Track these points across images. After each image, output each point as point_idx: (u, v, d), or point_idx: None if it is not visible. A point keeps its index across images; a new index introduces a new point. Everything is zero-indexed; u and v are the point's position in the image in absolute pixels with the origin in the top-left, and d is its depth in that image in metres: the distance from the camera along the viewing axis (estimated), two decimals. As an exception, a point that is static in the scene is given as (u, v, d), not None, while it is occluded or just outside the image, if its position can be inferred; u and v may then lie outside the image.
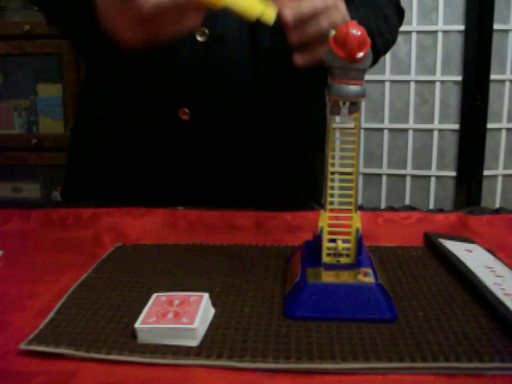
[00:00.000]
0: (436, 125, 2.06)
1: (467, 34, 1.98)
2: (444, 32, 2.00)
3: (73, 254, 0.75)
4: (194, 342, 0.49)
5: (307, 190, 1.06)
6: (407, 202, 2.09)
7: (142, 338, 0.50)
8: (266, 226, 0.83)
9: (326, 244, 0.61)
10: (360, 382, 0.45)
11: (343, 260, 0.62)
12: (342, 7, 0.76)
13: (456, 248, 0.71)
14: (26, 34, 2.07)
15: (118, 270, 0.67)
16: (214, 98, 0.93)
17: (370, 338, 0.50)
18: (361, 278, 0.58)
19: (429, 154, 2.08)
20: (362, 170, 2.12)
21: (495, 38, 1.98)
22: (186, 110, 0.92)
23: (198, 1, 0.67)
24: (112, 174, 1.00)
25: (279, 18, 0.68)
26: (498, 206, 2.03)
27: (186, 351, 0.48)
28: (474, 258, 0.68)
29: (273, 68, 0.94)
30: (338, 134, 0.62)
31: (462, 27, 1.98)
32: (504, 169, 2.08)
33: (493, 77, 2.00)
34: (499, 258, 0.69)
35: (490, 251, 0.72)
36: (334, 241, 0.61)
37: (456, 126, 2.05)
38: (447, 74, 2.03)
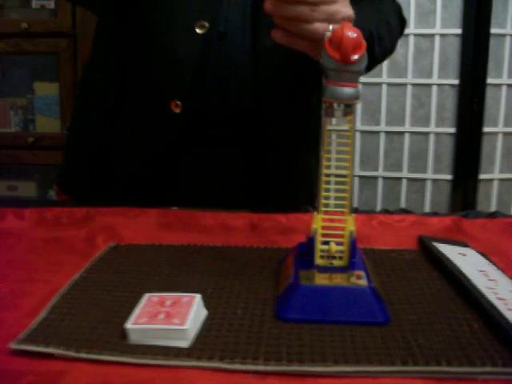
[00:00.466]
0: (432, 128, 2.06)
1: (464, 37, 1.98)
2: (441, 35, 2.00)
3: (66, 253, 0.74)
4: (185, 343, 0.49)
5: (301, 192, 1.06)
6: (403, 204, 2.09)
7: (133, 338, 0.49)
8: (260, 227, 0.83)
9: (319, 246, 0.61)
10: (351, 386, 0.45)
11: (336, 262, 0.61)
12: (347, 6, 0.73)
13: (450, 251, 0.71)
14: (23, 32, 2.07)
15: (110, 270, 0.67)
16: (209, 94, 0.93)
17: (361, 341, 0.50)
18: (354, 280, 0.58)
19: (425, 157, 2.08)
20: (358, 172, 2.12)
21: (492, 42, 1.98)
22: (178, 103, 0.91)
23: None
24: (107, 170, 1.00)
25: None
26: (493, 209, 2.03)
27: (177, 352, 0.48)
28: (467, 261, 0.68)
29: (273, 69, 0.94)
30: (333, 136, 0.62)
31: (459, 31, 1.99)
32: (500, 173, 2.08)
33: (489, 81, 2.00)
34: (493, 262, 0.69)
35: (483, 255, 0.72)
36: (327, 243, 0.61)
37: (452, 130, 2.05)
38: (444, 78, 2.03)
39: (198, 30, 0.89)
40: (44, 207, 0.88)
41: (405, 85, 2.05)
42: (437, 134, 2.06)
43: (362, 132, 2.10)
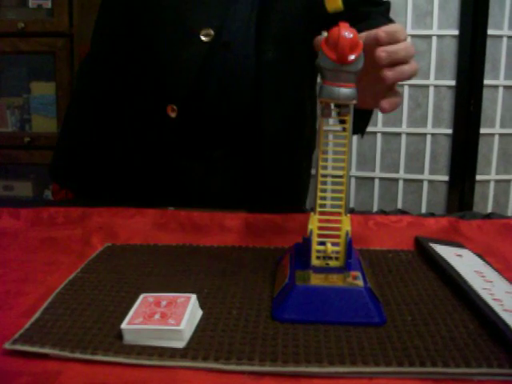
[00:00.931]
0: (429, 129, 2.06)
1: (461, 38, 1.98)
2: (438, 36, 2.00)
3: (61, 253, 0.74)
4: (180, 344, 0.49)
5: (294, 194, 1.06)
6: (399, 205, 2.09)
7: (128, 338, 0.49)
8: (256, 227, 0.83)
9: (315, 247, 0.61)
10: (346, 386, 0.45)
11: (332, 263, 0.61)
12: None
13: (446, 252, 0.71)
14: (19, 31, 2.06)
15: (106, 270, 0.67)
16: (207, 102, 0.93)
17: (357, 342, 0.50)
18: (350, 281, 0.57)
19: (421, 158, 2.08)
20: (355, 173, 2.12)
21: (489, 43, 1.98)
22: (175, 107, 0.91)
23: None
24: (101, 164, 1.01)
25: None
26: (490, 210, 2.03)
27: (172, 352, 0.48)
28: (463, 262, 0.68)
29: (273, 80, 0.94)
30: (329, 136, 0.62)
31: (456, 32, 1.99)
32: (496, 174, 2.08)
33: (486, 82, 2.00)
34: (489, 263, 0.69)
35: (479, 256, 0.72)
36: (323, 243, 0.61)
37: (449, 131, 2.05)
38: (441, 79, 2.03)
39: (203, 38, 0.89)
40: (40, 207, 0.88)
41: (401, 86, 2.05)
42: (433, 134, 2.06)
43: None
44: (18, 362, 0.47)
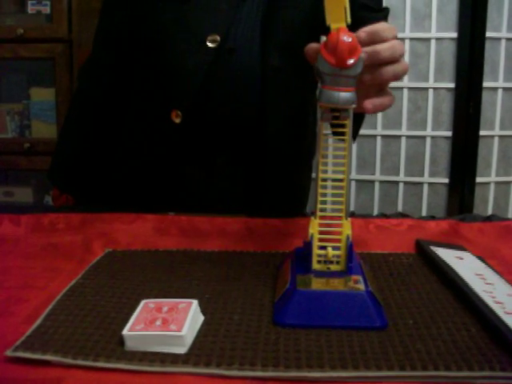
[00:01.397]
0: (429, 132, 2.06)
1: (460, 41, 1.99)
2: (437, 39, 2.01)
3: (62, 259, 0.74)
4: (181, 350, 0.49)
5: (295, 199, 1.07)
6: (400, 208, 2.09)
7: (130, 345, 0.49)
8: (257, 232, 0.82)
9: (316, 251, 0.61)
10: (349, 391, 0.45)
11: (333, 267, 0.61)
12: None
13: (447, 255, 0.71)
14: (19, 37, 2.06)
15: (107, 276, 0.67)
16: (211, 107, 0.93)
17: (359, 346, 0.50)
18: (351, 285, 0.57)
19: (421, 160, 2.08)
20: (355, 176, 2.12)
21: (488, 45, 1.98)
22: (179, 113, 0.92)
23: None
24: (102, 167, 1.01)
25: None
26: (490, 213, 2.03)
27: (174, 359, 0.48)
28: (464, 265, 0.68)
29: (278, 87, 0.94)
30: (329, 140, 0.62)
31: (454, 34, 1.99)
32: (496, 176, 2.08)
33: (485, 84, 2.00)
34: (490, 266, 0.69)
35: (481, 259, 0.72)
36: (324, 248, 0.61)
37: (449, 133, 2.05)
38: (440, 81, 2.03)
39: (209, 44, 0.89)
40: (40, 213, 0.88)
41: (401, 88, 2.05)
42: (433, 137, 2.07)
43: (359, 136, 2.09)
44: (20, 369, 0.47)
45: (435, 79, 2.03)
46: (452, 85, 2.02)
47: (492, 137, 2.06)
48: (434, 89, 2.04)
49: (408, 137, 2.08)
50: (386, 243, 0.79)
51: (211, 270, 0.69)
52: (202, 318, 0.55)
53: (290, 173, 1.03)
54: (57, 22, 2.07)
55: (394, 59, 0.65)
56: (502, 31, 1.99)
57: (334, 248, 0.61)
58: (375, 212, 2.09)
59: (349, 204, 0.62)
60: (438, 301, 0.60)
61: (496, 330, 0.51)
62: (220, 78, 0.92)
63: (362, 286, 0.57)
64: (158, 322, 0.50)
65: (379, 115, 2.07)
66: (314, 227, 0.61)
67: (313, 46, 0.61)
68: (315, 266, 0.61)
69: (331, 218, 0.62)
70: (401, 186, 2.10)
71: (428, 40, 2.01)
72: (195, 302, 0.54)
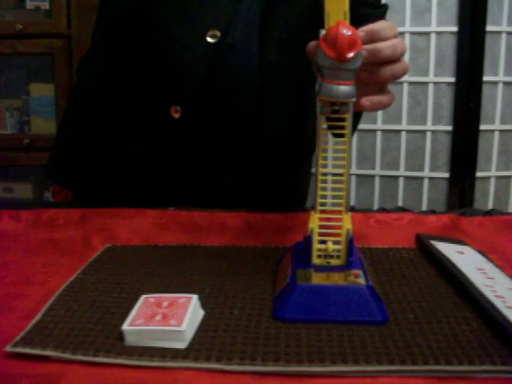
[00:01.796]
0: (429, 126, 2.06)
1: (460, 35, 1.98)
2: (437, 33, 2.00)
3: (62, 254, 0.74)
4: (182, 345, 0.49)
5: (294, 193, 1.06)
6: (400, 203, 2.09)
7: (130, 340, 0.49)
8: (257, 227, 0.82)
9: (316, 245, 0.61)
10: (349, 385, 0.45)
11: (334, 262, 0.61)
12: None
13: (447, 250, 0.71)
14: (17, 33, 2.06)
15: (107, 272, 0.67)
16: (210, 103, 0.93)
17: (360, 341, 0.50)
18: (351, 279, 0.57)
19: (422, 155, 2.08)
20: (355, 171, 2.12)
21: (488, 39, 1.98)
22: (178, 108, 0.91)
23: None
24: (101, 164, 1.01)
25: None
26: (490, 207, 2.03)
27: (174, 353, 0.48)
28: (465, 259, 0.68)
29: (276, 82, 0.94)
30: (329, 135, 0.62)
31: (455, 28, 1.98)
32: (497, 170, 2.08)
33: (486, 78, 2.00)
34: (490, 260, 0.69)
35: (481, 253, 0.72)
36: (324, 242, 0.61)
37: (449, 128, 2.05)
38: (440, 76, 2.03)
39: (209, 39, 0.89)
40: (40, 209, 0.88)
41: (401, 83, 2.05)
42: (433, 131, 2.06)
43: (359, 130, 2.09)
44: (20, 364, 0.47)
45: (435, 73, 2.03)
46: (452, 79, 2.02)
47: (492, 131, 2.06)
48: (435, 83, 2.03)
49: (408, 131, 2.07)
50: (386, 238, 0.79)
51: (211, 265, 0.68)
52: (202, 312, 0.55)
53: (289, 168, 1.03)
54: (56, 18, 2.07)
55: (395, 58, 0.65)
56: (502, 25, 1.98)
57: (334, 242, 0.61)
58: (375, 206, 2.08)
59: (349, 198, 0.62)
60: (439, 295, 0.60)
61: (497, 324, 0.51)
62: (219, 73, 0.92)
63: (362, 281, 0.57)
64: (158, 317, 0.50)
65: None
66: (314, 222, 0.61)
67: (314, 43, 0.60)
68: (315, 260, 0.61)
69: (331, 212, 0.62)
70: (401, 180, 2.10)
71: (428, 34, 2.01)
72: (195, 297, 0.54)
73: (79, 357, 0.47)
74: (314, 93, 0.60)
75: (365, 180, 2.13)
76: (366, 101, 0.64)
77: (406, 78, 2.03)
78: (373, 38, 0.62)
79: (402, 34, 2.02)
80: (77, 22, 2.07)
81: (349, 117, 0.59)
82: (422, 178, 2.09)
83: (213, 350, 0.48)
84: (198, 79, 0.91)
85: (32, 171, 2.30)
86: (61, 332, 0.51)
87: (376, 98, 0.65)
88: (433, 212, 0.90)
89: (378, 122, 2.07)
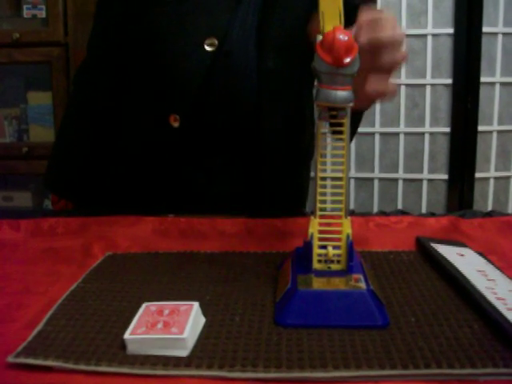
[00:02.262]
0: (427, 128, 2.06)
1: (457, 36, 1.99)
2: (433, 35, 2.00)
3: (62, 263, 0.74)
4: (184, 352, 0.49)
5: (293, 198, 1.07)
6: (399, 205, 2.09)
7: (132, 348, 0.49)
8: (257, 232, 0.82)
9: (316, 250, 0.61)
10: (352, 390, 0.45)
11: (334, 266, 0.61)
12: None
13: (448, 252, 0.71)
14: (15, 42, 2.06)
15: (107, 280, 0.67)
16: (209, 111, 0.93)
17: (361, 346, 0.50)
18: (352, 284, 0.57)
19: (420, 157, 2.08)
20: (354, 174, 2.12)
21: (484, 40, 1.98)
22: (177, 117, 0.91)
23: None
24: (100, 174, 1.00)
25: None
26: (490, 208, 2.03)
27: (176, 361, 0.47)
28: (465, 262, 0.68)
29: (274, 88, 0.94)
30: (328, 139, 0.62)
31: (451, 30, 1.99)
32: (496, 171, 2.08)
33: (483, 79, 2.00)
34: (491, 262, 0.69)
35: (481, 255, 0.72)
36: (324, 247, 0.61)
37: (447, 129, 2.05)
38: (437, 78, 2.03)
39: (206, 48, 0.89)
40: (39, 218, 0.88)
41: (398, 85, 2.05)
42: (432, 133, 2.06)
43: (357, 133, 2.09)
44: (22, 375, 0.47)
45: (432, 75, 2.03)
46: (449, 81, 2.02)
47: (490, 132, 2.06)
48: (432, 85, 2.04)
49: (406, 134, 2.07)
50: (386, 241, 0.79)
51: (211, 272, 0.68)
52: (203, 320, 0.55)
53: (288, 173, 1.03)
54: (53, 26, 2.07)
55: (395, 46, 0.66)
56: (498, 26, 1.99)
57: (335, 247, 0.61)
58: (375, 209, 2.09)
59: (348, 202, 0.62)
60: (440, 298, 0.60)
61: (498, 326, 0.51)
62: (217, 80, 0.92)
63: (363, 285, 0.57)
64: (160, 325, 0.50)
65: (377, 112, 2.07)
66: (314, 226, 0.61)
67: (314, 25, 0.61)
68: (316, 265, 0.61)
69: (331, 217, 0.62)
70: (400, 183, 2.10)
71: (424, 36, 2.01)
72: (196, 304, 0.54)
73: (82, 366, 0.47)
74: (312, 98, 0.60)
75: (364, 183, 2.13)
76: (369, 87, 0.66)
77: (402, 80, 2.04)
78: (375, 26, 0.64)
79: (398, 36, 2.01)
80: (74, 30, 2.07)
81: (347, 121, 0.60)
82: (421, 180, 2.10)
83: (215, 358, 0.48)
84: (196, 88, 0.91)
85: (31, 179, 2.30)
86: (63, 342, 0.51)
87: (379, 85, 0.67)
88: (432, 214, 0.90)
89: (376, 124, 2.07)
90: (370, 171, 2.12)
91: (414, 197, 2.11)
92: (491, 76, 2.02)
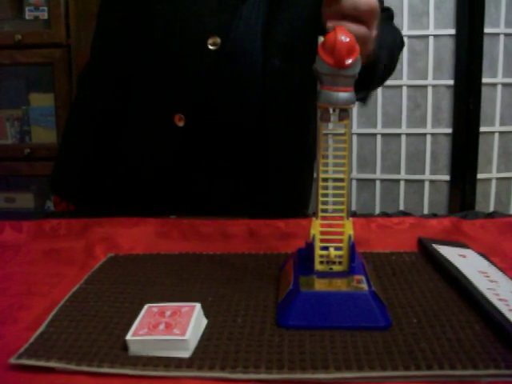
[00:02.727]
0: (429, 129, 2.06)
1: (458, 37, 1.99)
2: (435, 36, 2.01)
3: (65, 265, 0.74)
4: (185, 354, 0.49)
5: (296, 199, 1.07)
6: (401, 206, 2.09)
7: (134, 350, 0.49)
8: (259, 233, 0.82)
9: (318, 252, 0.61)
10: (354, 392, 0.45)
11: (336, 268, 0.61)
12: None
13: (450, 253, 0.71)
14: (17, 43, 2.07)
15: (109, 281, 0.67)
16: (214, 110, 0.93)
17: (363, 347, 0.50)
18: (354, 285, 0.57)
19: (422, 158, 2.08)
20: (356, 175, 2.12)
21: (486, 41, 1.98)
22: (182, 116, 0.91)
23: None
24: (104, 175, 1.01)
25: None
26: (492, 209, 2.03)
27: (178, 363, 0.47)
28: (467, 263, 0.68)
29: (279, 88, 0.94)
30: (329, 140, 0.62)
31: (452, 31, 1.99)
32: (497, 172, 2.09)
33: (484, 80, 2.01)
34: (493, 263, 0.69)
35: (483, 256, 0.72)
36: (326, 248, 0.61)
37: (449, 130, 2.05)
38: (439, 79, 2.03)
39: (210, 47, 0.89)
40: (41, 219, 0.88)
41: (400, 86, 2.05)
42: (433, 134, 2.07)
43: (359, 135, 2.10)
44: (25, 376, 0.47)
45: (434, 76, 2.03)
46: (451, 82, 2.02)
47: (492, 133, 2.06)
48: (433, 86, 2.04)
49: (408, 135, 2.08)
50: (388, 242, 0.79)
51: (213, 273, 0.68)
52: (205, 321, 0.55)
53: (292, 174, 1.03)
54: (54, 28, 2.08)
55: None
56: (499, 27, 1.99)
57: (336, 248, 0.61)
58: (377, 210, 2.09)
59: (350, 204, 0.62)
60: (442, 299, 0.60)
61: (501, 327, 0.51)
62: (221, 80, 0.92)
63: (365, 286, 0.57)
64: (162, 327, 0.50)
65: (378, 113, 2.07)
66: (316, 228, 0.61)
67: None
68: (318, 266, 0.61)
69: (333, 218, 0.62)
70: (402, 184, 2.11)
71: (426, 37, 2.01)
72: (198, 306, 0.54)
73: (84, 368, 0.47)
74: (315, 97, 0.60)
75: (366, 184, 2.13)
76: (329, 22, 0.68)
77: (404, 81, 2.04)
78: None
79: (400, 37, 2.02)
80: (76, 32, 2.07)
81: (348, 123, 0.60)
82: (422, 181, 2.10)
83: (217, 359, 0.48)
84: (200, 86, 0.91)
85: (33, 181, 2.31)
86: (65, 343, 0.51)
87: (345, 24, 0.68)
88: (434, 215, 0.90)
89: (377, 125, 2.08)
90: (371, 172, 2.12)
91: (416, 198, 2.12)
92: (493, 77, 2.02)
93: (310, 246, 0.61)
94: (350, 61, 0.56)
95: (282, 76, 0.93)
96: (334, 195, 0.61)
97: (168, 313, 0.53)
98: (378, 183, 2.12)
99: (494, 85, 2.03)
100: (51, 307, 0.59)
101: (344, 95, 0.57)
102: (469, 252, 0.73)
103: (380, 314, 0.54)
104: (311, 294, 0.56)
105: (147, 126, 0.95)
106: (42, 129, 2.25)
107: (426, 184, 2.09)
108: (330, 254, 0.60)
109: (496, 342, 0.50)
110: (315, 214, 0.62)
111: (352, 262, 0.60)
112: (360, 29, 0.70)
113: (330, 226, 0.62)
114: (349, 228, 0.61)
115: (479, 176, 2.06)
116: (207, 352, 0.49)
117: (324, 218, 0.62)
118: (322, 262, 0.61)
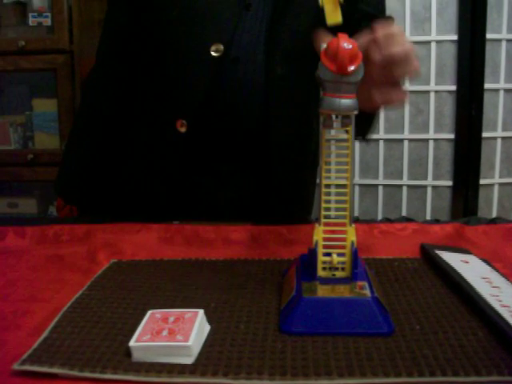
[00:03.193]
0: (431, 135, 2.06)
1: (460, 43, 1.99)
2: (437, 42, 2.01)
3: (68, 271, 0.74)
4: (188, 360, 0.49)
5: (299, 204, 1.06)
6: (404, 212, 2.09)
7: (137, 356, 0.49)
8: (261, 239, 0.82)
9: (321, 258, 0.61)
10: (357, 398, 0.45)
11: (339, 274, 0.61)
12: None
13: (452, 259, 0.71)
14: (20, 49, 2.07)
15: (112, 287, 0.67)
16: (217, 116, 0.93)
17: (366, 353, 0.50)
18: (357, 291, 0.57)
19: (425, 163, 2.08)
20: (358, 180, 2.12)
21: (488, 47, 1.98)
22: (184, 122, 0.92)
23: None
24: (108, 180, 1.01)
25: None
26: (494, 214, 2.03)
27: (181, 369, 0.48)
28: (470, 269, 0.68)
29: (282, 95, 0.94)
30: (332, 146, 0.62)
31: (455, 37, 1.99)
32: (500, 177, 2.08)
33: (487, 86, 2.00)
34: (496, 269, 0.69)
35: (486, 262, 0.72)
36: (329, 254, 0.61)
37: (451, 136, 2.05)
38: (441, 84, 2.03)
39: (213, 53, 0.89)
40: (45, 225, 0.88)
41: (402, 92, 2.05)
42: (436, 140, 2.06)
43: (360, 139, 2.09)
44: (28, 382, 0.47)
45: (436, 82, 2.03)
46: (453, 87, 2.02)
47: (495, 138, 2.06)
48: (436, 92, 2.04)
49: (411, 140, 2.08)
50: (390, 248, 0.79)
51: (216, 279, 0.69)
52: (208, 327, 0.55)
53: (295, 179, 1.03)
54: (58, 34, 2.08)
55: (407, 60, 0.69)
56: (502, 32, 1.99)
57: (339, 254, 0.61)
58: (379, 216, 2.08)
59: (353, 210, 0.62)
60: (445, 305, 0.60)
61: (503, 333, 0.51)
62: (224, 86, 0.92)
63: (367, 292, 0.57)
64: (165, 333, 0.50)
65: (381, 119, 2.07)
66: (319, 234, 0.61)
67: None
68: (320, 272, 0.61)
69: (335, 224, 0.62)
70: (404, 189, 2.10)
71: (428, 43, 2.01)
72: (201, 312, 0.54)
73: (87, 374, 0.47)
74: (318, 104, 0.60)
75: (368, 190, 2.13)
76: (379, 98, 0.68)
77: (407, 87, 2.04)
78: (388, 42, 0.67)
79: (402, 43, 2.02)
80: (79, 38, 2.08)
81: (351, 129, 0.60)
82: (425, 187, 2.09)
83: (220, 365, 0.48)
84: (203, 93, 0.91)
85: (36, 186, 2.31)
86: (68, 349, 0.51)
87: (388, 95, 0.69)
88: (437, 221, 0.90)
89: (380, 131, 2.07)
90: (374, 178, 2.12)
91: (419, 203, 2.11)
92: (495, 82, 2.02)
93: (312, 252, 0.61)
94: (352, 67, 0.57)
95: (285, 83, 0.94)
96: (337, 201, 0.61)
97: (171, 319, 0.53)
98: (380, 189, 2.12)
99: (497, 90, 2.02)
100: (54, 313, 0.60)
101: (346, 102, 0.57)
102: (471, 258, 0.73)
103: (383, 321, 0.54)
104: (314, 300, 0.56)
105: (150, 132, 0.96)
106: (45, 134, 2.25)
107: (429, 189, 2.09)
108: (333, 260, 0.60)
109: (499, 349, 0.50)
110: (318, 220, 0.62)
111: (355, 268, 0.60)
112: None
113: (332, 232, 0.62)
114: (351, 234, 0.61)
115: (482, 181, 2.06)
116: (210, 358, 0.49)
117: (327, 224, 0.62)
118: (324, 268, 0.61)
